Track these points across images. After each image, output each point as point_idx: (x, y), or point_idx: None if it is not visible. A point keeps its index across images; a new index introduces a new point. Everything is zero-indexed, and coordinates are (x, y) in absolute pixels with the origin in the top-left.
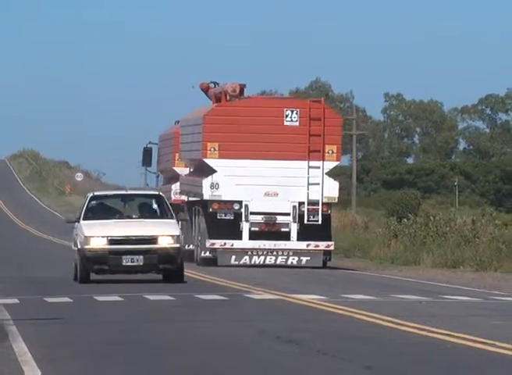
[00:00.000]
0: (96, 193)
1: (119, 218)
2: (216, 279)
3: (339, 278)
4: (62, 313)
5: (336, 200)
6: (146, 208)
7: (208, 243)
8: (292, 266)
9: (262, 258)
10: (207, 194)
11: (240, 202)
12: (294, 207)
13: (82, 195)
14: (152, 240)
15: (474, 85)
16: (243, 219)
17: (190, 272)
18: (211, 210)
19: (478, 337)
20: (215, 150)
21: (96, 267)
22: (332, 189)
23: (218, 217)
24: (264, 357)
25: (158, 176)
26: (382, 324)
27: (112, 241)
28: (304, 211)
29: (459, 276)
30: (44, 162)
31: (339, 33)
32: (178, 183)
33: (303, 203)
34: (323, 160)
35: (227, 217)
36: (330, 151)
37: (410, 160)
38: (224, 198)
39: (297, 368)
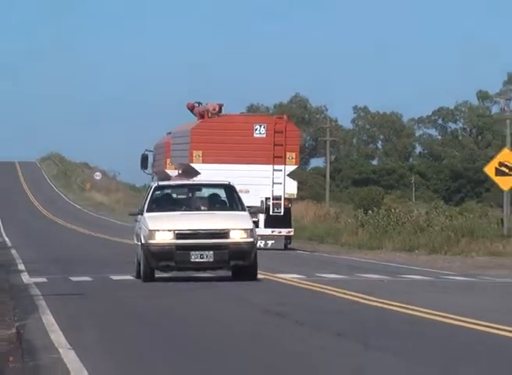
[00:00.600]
0: (161, 183)
1: (185, 210)
2: None
3: (314, 261)
4: (83, 290)
5: (295, 196)
6: (215, 199)
7: None
8: (259, 248)
9: None
10: None
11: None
12: (262, 201)
13: (100, 192)
14: (223, 234)
15: (428, 99)
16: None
17: None
18: None
19: (430, 309)
20: (199, 156)
21: (162, 264)
22: (291, 187)
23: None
24: (254, 326)
25: (152, 177)
26: (350, 299)
27: (179, 235)
28: (269, 204)
29: (415, 258)
30: (68, 164)
31: (316, 54)
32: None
33: (268, 198)
34: (285, 164)
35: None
36: (290, 157)
37: (374, 162)
38: None
39: (280, 334)
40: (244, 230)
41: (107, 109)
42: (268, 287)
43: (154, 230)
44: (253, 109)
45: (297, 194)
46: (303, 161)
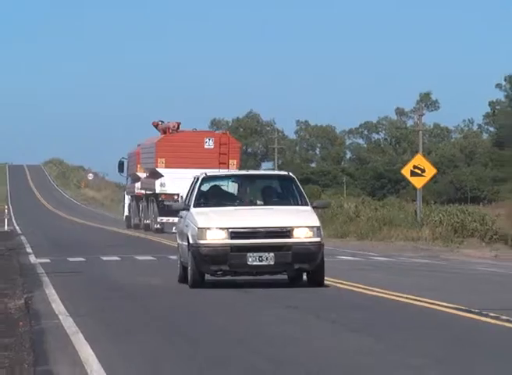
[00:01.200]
0: (210, 173)
1: (239, 204)
2: (175, 243)
3: None
4: (79, 268)
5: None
6: (273, 192)
7: (159, 219)
8: None
9: None
10: (158, 189)
11: (178, 194)
12: None
13: (93, 189)
14: (286, 232)
15: (356, 114)
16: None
17: (152, 237)
18: (160, 199)
19: (361, 284)
20: (163, 163)
21: (214, 267)
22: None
23: (165, 203)
24: (215, 299)
25: (127, 178)
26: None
27: (234, 234)
28: None
29: (346, 243)
30: (67, 167)
31: (266, 77)
32: (139, 183)
33: None
34: (228, 168)
35: (170, 203)
36: (232, 163)
37: (313, 165)
38: (168, 191)
39: (259, 308)
40: (310, 227)
41: (98, 123)
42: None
43: (205, 229)
44: (215, 123)
45: None
46: (256, 164)
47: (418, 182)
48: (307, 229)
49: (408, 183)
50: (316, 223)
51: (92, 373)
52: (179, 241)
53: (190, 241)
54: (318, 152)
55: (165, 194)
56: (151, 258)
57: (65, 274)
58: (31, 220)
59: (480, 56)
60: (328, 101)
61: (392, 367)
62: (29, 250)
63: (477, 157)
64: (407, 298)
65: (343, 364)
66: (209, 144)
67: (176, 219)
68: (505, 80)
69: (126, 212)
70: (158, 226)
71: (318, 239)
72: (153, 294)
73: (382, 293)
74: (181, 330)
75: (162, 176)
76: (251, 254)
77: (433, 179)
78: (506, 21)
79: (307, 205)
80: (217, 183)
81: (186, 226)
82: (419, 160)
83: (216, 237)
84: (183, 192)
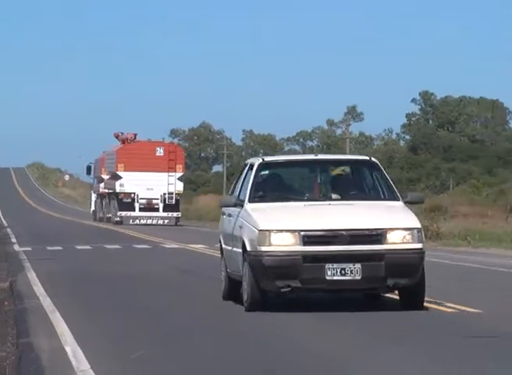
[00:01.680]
0: (268, 158)
1: (309, 199)
2: (138, 234)
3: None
4: (56, 256)
5: (182, 192)
6: (352, 182)
7: (118, 213)
8: (159, 225)
9: (145, 220)
10: (117, 188)
11: (134, 193)
12: (161, 195)
13: (69, 188)
14: (377, 236)
15: (294, 124)
16: (136, 201)
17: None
18: (119, 197)
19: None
20: (122, 167)
21: (280, 284)
22: (179, 186)
23: (124, 201)
24: (175, 281)
25: (94, 180)
26: None
27: (307, 239)
28: (165, 197)
29: None
30: (47, 169)
31: (217, 91)
32: (103, 183)
33: (165, 193)
34: (175, 172)
35: (128, 200)
36: (178, 167)
37: None
38: (126, 191)
39: (191, 284)
40: (409, 229)
41: (72, 130)
42: (185, 253)
43: (268, 231)
44: (174, 131)
45: (202, 189)
46: (208, 167)
47: None
48: (404, 232)
49: None
50: (416, 223)
51: (66, 344)
52: (224, 246)
53: (248, 248)
54: None
55: (124, 193)
56: (118, 246)
57: (44, 261)
58: (16, 215)
59: (399, 74)
60: (269, 113)
61: None
62: (13, 240)
63: (395, 161)
64: None
65: None
66: (160, 152)
67: (132, 213)
68: (419, 95)
69: (93, 208)
70: (118, 218)
71: (419, 245)
72: (120, 278)
73: None
74: (148, 309)
75: (121, 178)
76: (331, 265)
77: None
78: (420, 44)
79: (397, 199)
80: (277, 171)
81: (240, 227)
82: None
83: (284, 242)
84: (139, 191)
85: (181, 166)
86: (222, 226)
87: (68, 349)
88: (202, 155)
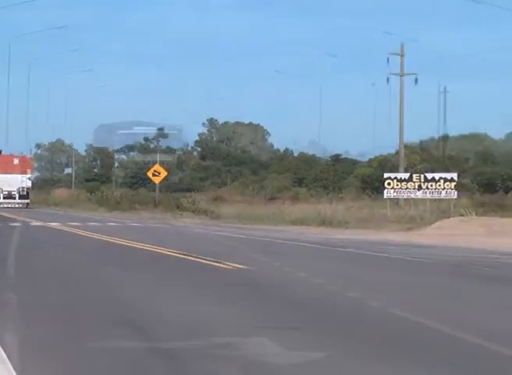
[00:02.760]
0: None
1: None
2: (10, 215)
3: (64, 216)
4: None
5: (30, 187)
6: None
7: None
8: (16, 208)
9: (7, 205)
10: None
11: (1, 189)
12: (17, 189)
13: None
14: None
15: None
16: (1, 192)
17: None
18: None
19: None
20: None
21: None
22: (28, 183)
23: None
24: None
25: None
26: (117, 242)
27: None
28: (20, 190)
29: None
30: None
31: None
32: None
33: (19, 187)
34: (26, 174)
35: None
36: (28, 171)
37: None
38: None
39: (84, 263)
40: None
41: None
42: (60, 231)
43: None
44: (38, 145)
45: (57, 185)
46: (61, 170)
47: (157, 179)
48: None
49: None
50: None
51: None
52: None
53: None
54: None
55: None
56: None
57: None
58: None
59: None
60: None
61: None
62: None
63: (190, 166)
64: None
65: None
66: (16, 161)
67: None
68: (207, 120)
69: None
70: None
71: None
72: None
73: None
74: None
75: None
76: None
77: (166, 178)
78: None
79: None
80: None
81: None
82: (157, 167)
83: None
84: (3, 186)
85: (29, 171)
86: None
87: None
88: (57, 161)
